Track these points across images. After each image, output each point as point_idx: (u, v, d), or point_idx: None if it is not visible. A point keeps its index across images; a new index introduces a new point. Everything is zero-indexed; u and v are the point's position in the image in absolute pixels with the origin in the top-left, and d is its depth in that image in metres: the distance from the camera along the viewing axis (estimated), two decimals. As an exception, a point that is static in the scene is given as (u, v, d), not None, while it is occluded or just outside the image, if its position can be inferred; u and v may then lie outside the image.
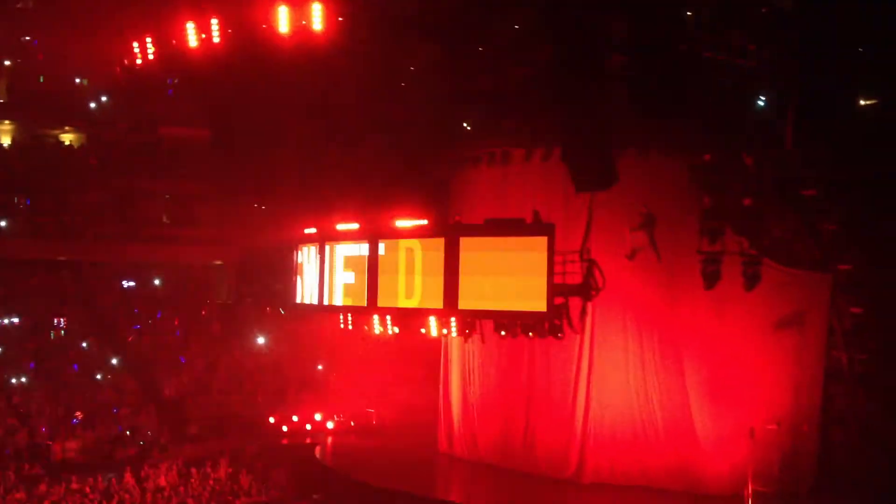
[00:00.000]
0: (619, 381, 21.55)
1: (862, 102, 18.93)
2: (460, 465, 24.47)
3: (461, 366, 24.84)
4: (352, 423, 29.24)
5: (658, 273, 20.64)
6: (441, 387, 25.53)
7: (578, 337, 21.52)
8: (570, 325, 19.10)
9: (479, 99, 20.93)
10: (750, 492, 18.92)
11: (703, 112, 17.79)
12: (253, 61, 19.64)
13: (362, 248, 20.68)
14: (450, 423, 25.12)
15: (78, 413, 26.65)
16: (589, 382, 21.84)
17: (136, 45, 20.90)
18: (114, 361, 29.93)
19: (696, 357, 20.80)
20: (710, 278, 18.48)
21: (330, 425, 28.84)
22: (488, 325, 20.05)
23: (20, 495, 22.43)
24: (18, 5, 33.68)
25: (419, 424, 27.29)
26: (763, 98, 18.64)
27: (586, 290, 18.87)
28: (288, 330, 32.94)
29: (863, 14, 17.48)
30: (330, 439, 27.92)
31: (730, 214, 18.32)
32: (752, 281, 18.48)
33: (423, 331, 20.86)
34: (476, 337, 23.86)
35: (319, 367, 31.46)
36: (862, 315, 20.01)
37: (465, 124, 22.84)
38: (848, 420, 20.25)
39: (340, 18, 17.85)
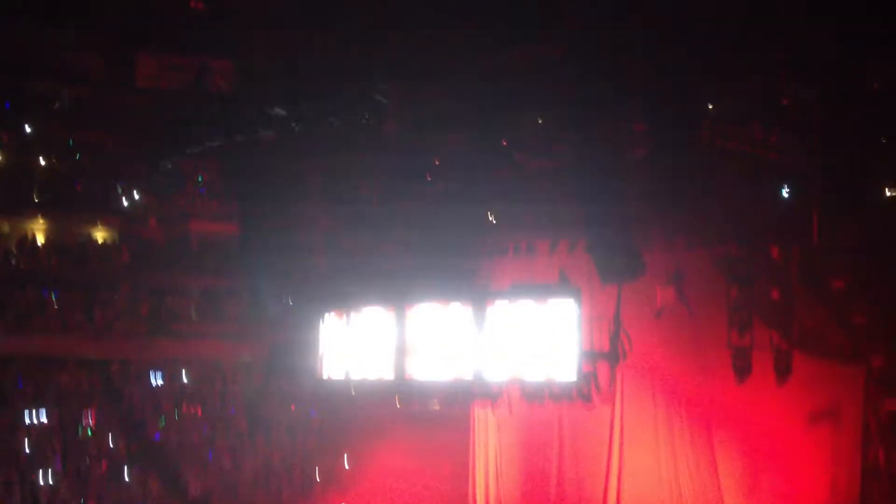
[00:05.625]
0: (653, 482, 21.17)
1: (888, 193, 18.93)
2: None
3: (490, 460, 24.52)
4: (378, 521, 28.76)
5: (689, 361, 20.53)
6: (469, 481, 25.18)
7: (608, 427, 21.39)
8: (598, 391, 18.88)
9: (502, 190, 21.14)
10: (788, 592, 18.34)
11: (728, 204, 17.84)
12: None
13: (388, 318, 20.73)
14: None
15: None
16: (620, 479, 21.48)
17: None
18: (140, 459, 29.77)
19: (729, 452, 20.41)
20: (741, 372, 18.27)
21: (356, 523, 28.38)
22: (516, 394, 19.93)
23: None
24: (56, 106, 34.56)
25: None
26: (788, 189, 18.67)
27: (614, 356, 18.72)
28: (315, 425, 32.73)
29: (886, 104, 17.59)
30: (356, 538, 27.46)
31: (758, 307, 18.19)
32: (783, 375, 18.28)
33: None
34: (503, 431, 23.80)
35: (346, 459, 31.10)
36: (898, 409, 19.61)
37: (490, 215, 23.00)
38: (887, 519, 19.65)
39: (367, 115, 18.26)
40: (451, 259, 21.16)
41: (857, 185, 17.89)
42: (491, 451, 24.48)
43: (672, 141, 17.35)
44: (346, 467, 30.81)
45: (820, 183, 18.19)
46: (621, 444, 21.54)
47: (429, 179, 20.81)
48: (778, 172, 18.36)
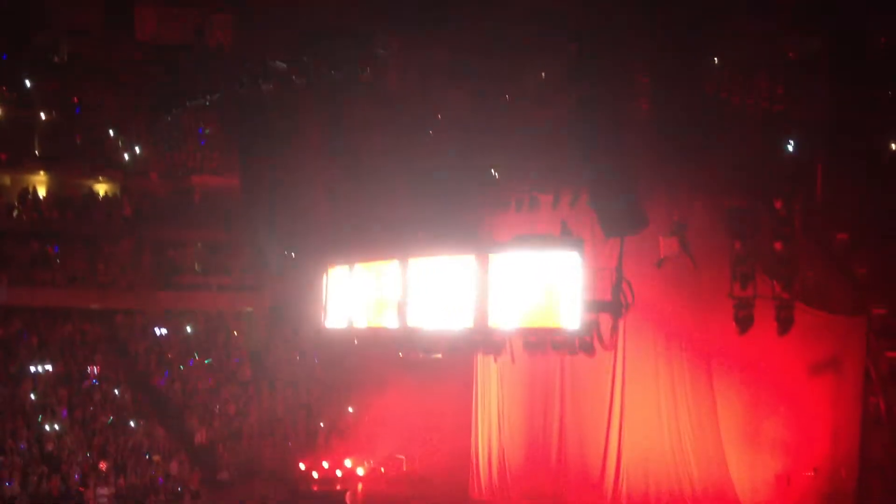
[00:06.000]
0: (653, 432, 21.36)
1: (893, 146, 18.83)
2: (492, 512, 24.30)
3: (493, 412, 24.73)
4: (382, 470, 29.11)
5: (691, 311, 20.65)
6: (473, 433, 25.41)
7: (610, 378, 21.57)
8: (601, 341, 18.90)
9: (505, 144, 20.98)
10: (787, 540, 18.61)
11: (732, 155, 17.74)
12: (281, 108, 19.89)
13: (392, 268, 20.73)
14: (482, 471, 24.95)
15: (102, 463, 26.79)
16: (621, 429, 21.68)
17: None
18: (146, 408, 30.08)
19: (730, 400, 20.56)
20: (743, 323, 18.27)
21: (360, 472, 28.71)
22: (518, 344, 19.97)
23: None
24: (55, 59, 34.34)
25: (449, 471, 27.08)
26: (792, 141, 18.53)
27: (616, 306, 18.70)
28: (318, 375, 33.02)
29: (892, 56, 17.42)
30: (360, 486, 27.75)
31: (761, 259, 18.16)
32: (785, 325, 18.25)
33: None
34: (505, 382, 23.97)
35: (350, 409, 31.42)
36: (899, 359, 19.71)
37: (492, 170, 22.90)
38: (886, 466, 19.83)
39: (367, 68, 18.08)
40: (454, 213, 21.12)
41: (861, 137, 17.74)
42: (493, 402, 24.67)
43: (676, 93, 17.19)
44: (350, 417, 31.16)
45: (825, 135, 18.05)
46: (623, 394, 21.71)
47: (430, 133, 20.67)
48: (782, 124, 18.21)
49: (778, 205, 18.14)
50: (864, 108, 17.52)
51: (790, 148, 18.60)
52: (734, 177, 18.36)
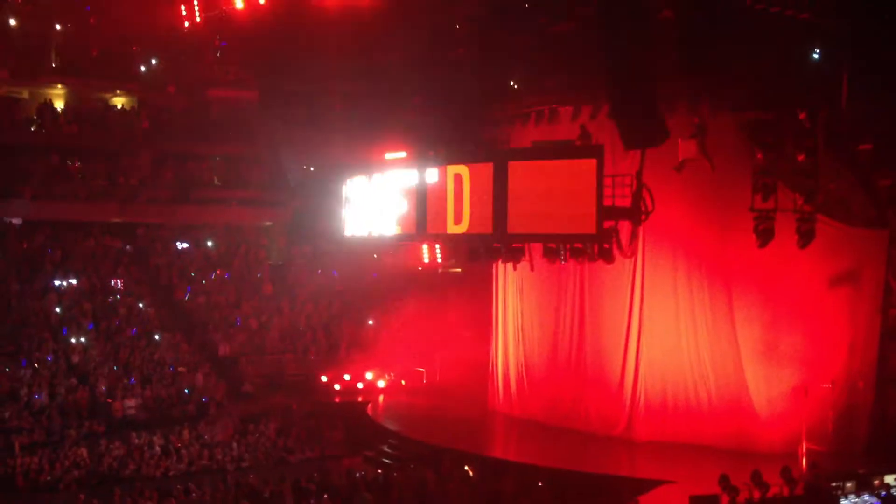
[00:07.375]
0: (671, 342, 21.46)
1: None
2: (511, 422, 24.60)
3: (511, 324, 24.88)
4: (402, 382, 29.52)
5: (711, 222, 20.56)
6: (492, 345, 25.61)
7: (629, 289, 21.62)
8: (620, 248, 18.72)
9: (525, 56, 20.62)
10: (804, 450, 18.72)
11: (756, 66, 17.39)
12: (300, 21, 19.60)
13: (410, 176, 20.54)
14: (500, 382, 25.23)
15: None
16: (639, 340, 21.79)
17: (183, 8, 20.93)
18: (169, 321, 30.47)
19: (748, 313, 20.59)
20: (763, 236, 18.07)
21: (381, 384, 29.13)
22: (538, 252, 19.82)
23: (82, 451, 23.05)
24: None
25: (469, 383, 27.46)
26: (817, 51, 18.10)
27: (636, 213, 18.50)
28: (339, 288, 33.30)
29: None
30: (381, 398, 28.21)
31: (783, 171, 17.93)
32: (806, 238, 18.04)
33: None
34: (525, 292, 24.02)
35: (370, 322, 31.71)
36: (919, 272, 19.61)
37: (511, 83, 22.56)
38: (903, 378, 19.94)
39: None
40: (473, 125, 20.89)
41: (888, 46, 17.30)
42: (512, 314, 24.78)
43: (701, 1, 16.78)
44: (370, 330, 31.47)
45: (851, 44, 17.61)
46: (641, 305, 21.74)
47: (449, 44, 20.35)
48: (808, 33, 17.78)
49: (801, 116, 17.81)
50: (891, 17, 17.07)
51: (815, 57, 18.16)
52: (758, 87, 18.01)
